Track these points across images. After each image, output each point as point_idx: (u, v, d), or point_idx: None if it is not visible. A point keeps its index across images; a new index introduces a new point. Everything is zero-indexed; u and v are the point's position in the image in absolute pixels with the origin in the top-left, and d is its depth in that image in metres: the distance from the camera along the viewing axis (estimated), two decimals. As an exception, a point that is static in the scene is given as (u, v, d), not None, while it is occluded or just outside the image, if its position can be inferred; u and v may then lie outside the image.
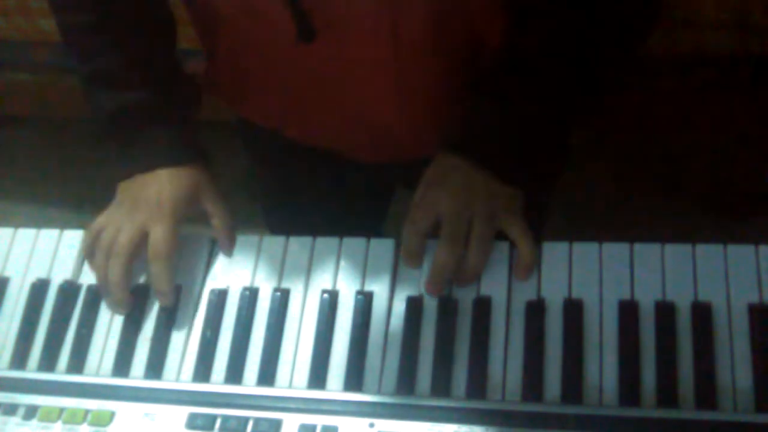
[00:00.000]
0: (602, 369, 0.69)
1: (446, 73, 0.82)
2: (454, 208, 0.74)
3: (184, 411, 0.70)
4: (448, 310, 0.73)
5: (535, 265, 0.73)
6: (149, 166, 0.82)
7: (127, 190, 0.82)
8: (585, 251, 0.74)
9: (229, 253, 0.80)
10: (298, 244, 0.79)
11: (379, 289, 0.75)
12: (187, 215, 0.81)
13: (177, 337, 0.76)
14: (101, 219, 0.82)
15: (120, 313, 0.78)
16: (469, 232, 0.74)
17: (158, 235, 0.78)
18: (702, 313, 0.69)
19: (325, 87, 0.83)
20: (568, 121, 0.81)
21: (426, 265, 0.75)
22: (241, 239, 0.80)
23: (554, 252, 0.74)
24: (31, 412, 0.72)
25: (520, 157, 0.77)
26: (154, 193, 0.80)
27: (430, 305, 0.73)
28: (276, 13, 0.76)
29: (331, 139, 0.93)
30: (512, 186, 0.76)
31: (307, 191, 1.05)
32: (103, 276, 0.78)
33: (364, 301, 0.74)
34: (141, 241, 0.79)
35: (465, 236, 0.74)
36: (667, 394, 0.67)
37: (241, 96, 0.92)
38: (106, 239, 0.79)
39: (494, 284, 0.73)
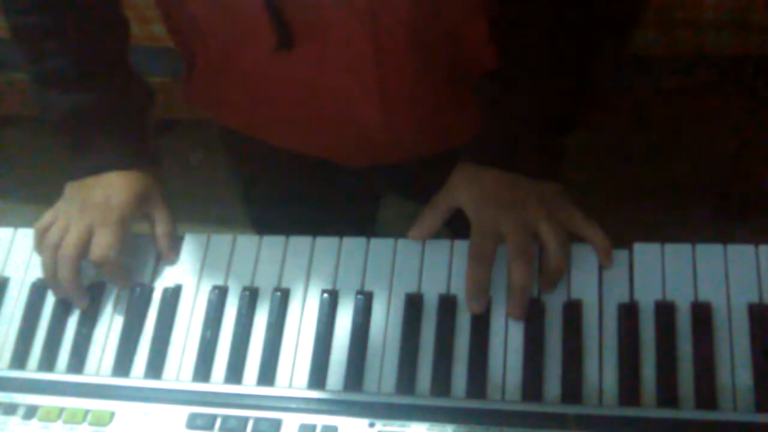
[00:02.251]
0: (602, 369, 0.69)
1: (428, 75, 0.82)
2: (516, 223, 0.72)
3: (184, 411, 0.70)
4: (447, 309, 0.73)
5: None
6: (99, 169, 0.82)
7: (75, 189, 0.83)
8: (584, 251, 0.74)
9: (171, 261, 0.80)
10: (298, 244, 0.79)
11: (379, 289, 0.75)
12: (134, 219, 0.82)
13: (177, 337, 0.76)
14: (48, 217, 0.82)
15: (78, 308, 0.79)
16: (541, 238, 0.72)
17: (102, 240, 0.78)
18: (702, 313, 0.69)
19: (307, 93, 0.83)
20: (580, 107, 0.79)
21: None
22: (240, 239, 0.80)
23: (554, 252, 0.74)
24: (31, 412, 0.72)
25: (551, 153, 0.77)
26: (102, 196, 0.80)
27: (430, 305, 0.73)
28: (255, 21, 0.75)
29: (314, 145, 0.92)
30: (554, 181, 0.75)
31: (293, 196, 1.04)
32: (51, 274, 0.79)
33: (364, 301, 0.74)
34: (87, 243, 0.79)
35: (533, 247, 0.72)
36: (667, 394, 0.67)
37: (222, 104, 0.92)
38: (52, 238, 0.80)
39: (494, 284, 0.73)
